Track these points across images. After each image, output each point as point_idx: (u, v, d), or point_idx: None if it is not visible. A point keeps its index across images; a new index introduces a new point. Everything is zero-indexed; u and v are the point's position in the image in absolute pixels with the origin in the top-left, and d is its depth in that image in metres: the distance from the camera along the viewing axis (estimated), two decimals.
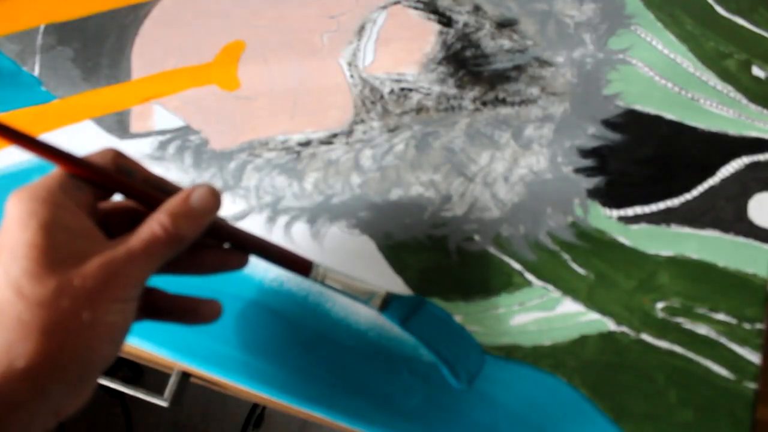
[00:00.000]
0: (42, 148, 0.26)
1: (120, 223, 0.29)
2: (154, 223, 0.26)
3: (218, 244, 0.31)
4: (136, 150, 0.43)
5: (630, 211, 0.39)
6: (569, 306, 0.37)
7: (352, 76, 0.45)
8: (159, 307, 0.30)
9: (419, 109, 0.43)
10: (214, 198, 0.28)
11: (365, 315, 0.37)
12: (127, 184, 0.28)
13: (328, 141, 0.43)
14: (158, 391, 0.40)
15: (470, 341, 0.36)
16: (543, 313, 0.37)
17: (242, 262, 0.32)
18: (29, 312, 0.23)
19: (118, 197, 0.29)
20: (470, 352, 0.36)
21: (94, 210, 0.27)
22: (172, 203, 0.27)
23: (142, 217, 0.27)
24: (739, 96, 0.42)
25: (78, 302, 0.23)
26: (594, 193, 0.40)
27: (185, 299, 0.30)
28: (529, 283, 0.38)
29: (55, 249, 0.24)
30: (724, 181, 0.40)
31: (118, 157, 0.28)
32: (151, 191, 0.28)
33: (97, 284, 0.24)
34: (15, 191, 0.25)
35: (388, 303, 0.35)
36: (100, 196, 0.28)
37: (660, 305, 0.37)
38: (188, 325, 0.31)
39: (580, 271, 0.38)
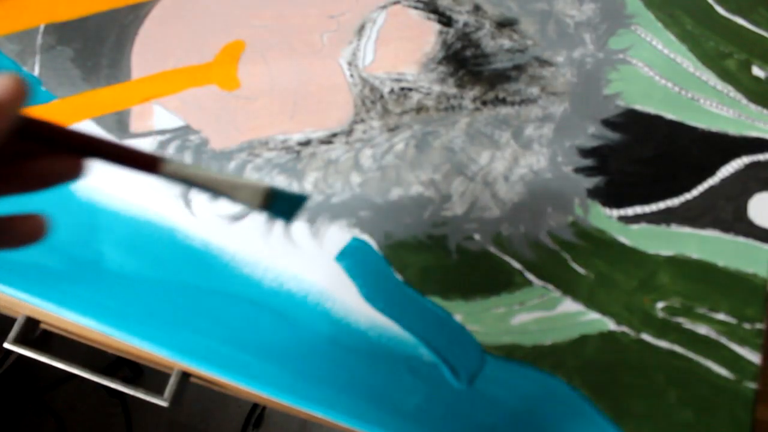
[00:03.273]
0: None
1: None
2: None
3: (42, 150, 0.26)
4: None
5: (630, 211, 0.39)
6: (569, 306, 0.37)
7: (352, 75, 0.45)
8: None
9: (419, 109, 0.43)
10: (17, 84, 0.24)
11: (365, 315, 0.37)
12: None
13: (327, 140, 0.43)
14: (158, 391, 0.40)
15: (466, 336, 0.36)
16: (543, 313, 0.37)
17: (76, 169, 0.26)
18: None
19: None
20: (468, 349, 0.36)
21: None
22: None
23: None
24: (739, 96, 0.42)
25: None
26: (594, 193, 0.40)
27: (7, 218, 0.25)
28: (529, 283, 0.38)
29: None
30: (724, 181, 0.40)
31: None
32: None
33: None
34: None
35: (272, 198, 0.29)
36: None
37: (660, 305, 0.37)
38: (7, 249, 0.26)
39: (581, 270, 0.38)
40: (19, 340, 0.41)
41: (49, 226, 0.26)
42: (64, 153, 0.26)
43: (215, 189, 0.28)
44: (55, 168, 0.26)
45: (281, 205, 0.29)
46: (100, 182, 0.42)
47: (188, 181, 0.27)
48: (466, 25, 0.46)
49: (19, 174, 0.26)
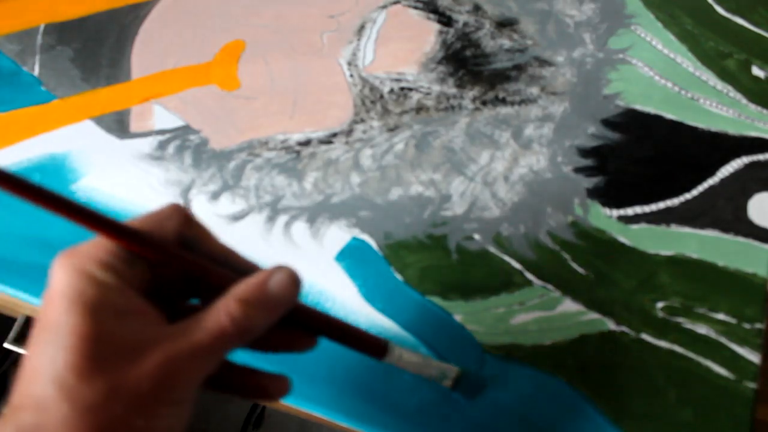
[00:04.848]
0: (87, 217, 0.22)
1: (178, 287, 0.25)
2: (222, 314, 0.22)
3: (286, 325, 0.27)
4: (136, 149, 0.43)
5: (630, 211, 0.39)
6: (569, 305, 0.37)
7: (351, 75, 0.45)
8: (226, 380, 0.26)
9: (419, 109, 0.43)
10: (294, 286, 0.24)
11: (365, 315, 0.37)
12: (190, 261, 0.24)
13: (327, 140, 0.43)
14: None
15: (465, 337, 0.36)
16: (543, 313, 0.37)
17: (310, 345, 0.28)
18: (76, 417, 0.20)
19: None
20: (468, 349, 0.36)
21: (150, 285, 0.24)
22: (244, 288, 0.23)
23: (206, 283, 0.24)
24: (738, 96, 0.42)
25: (131, 407, 0.20)
26: (594, 193, 0.40)
27: (254, 375, 0.27)
28: (529, 283, 0.38)
29: (105, 340, 0.21)
30: (724, 181, 0.40)
31: (183, 221, 0.24)
32: (218, 270, 0.24)
33: (154, 386, 0.21)
34: (62, 254, 0.22)
35: (460, 381, 0.34)
36: (158, 269, 0.24)
37: (660, 305, 0.37)
38: (255, 401, 0.28)
39: (580, 270, 0.38)
40: (19, 340, 0.41)
41: (291, 388, 0.27)
42: (305, 330, 0.28)
43: (422, 372, 0.32)
44: (293, 341, 0.27)
45: (468, 385, 0.34)
46: (100, 182, 0.42)
47: (403, 367, 0.30)
48: (466, 25, 0.46)
49: (263, 340, 0.26)
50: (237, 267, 0.25)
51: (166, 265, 0.24)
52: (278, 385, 0.27)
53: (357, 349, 0.29)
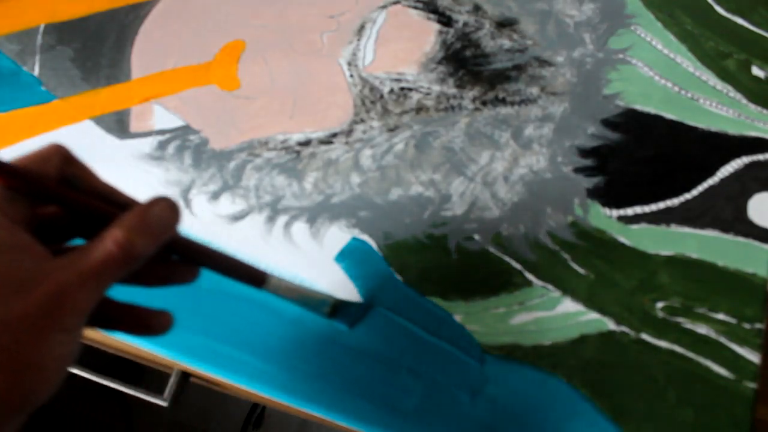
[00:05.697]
0: None
1: (60, 226, 0.26)
2: (109, 241, 0.23)
3: (166, 256, 0.28)
4: (136, 149, 0.43)
5: (630, 211, 0.39)
6: (569, 306, 0.37)
7: (351, 75, 0.45)
8: (107, 317, 0.27)
9: (419, 109, 0.43)
10: (174, 213, 0.25)
11: (365, 315, 0.37)
12: (72, 197, 0.25)
13: (327, 140, 0.43)
14: (158, 391, 0.40)
15: (465, 337, 0.36)
16: (543, 313, 0.37)
17: (192, 276, 0.29)
18: None
19: None
20: (468, 349, 0.36)
21: (34, 220, 0.24)
22: (128, 217, 0.24)
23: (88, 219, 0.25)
24: (738, 96, 0.42)
25: (20, 337, 0.21)
26: (594, 193, 0.40)
27: (135, 310, 0.27)
28: (529, 283, 0.38)
29: None
30: (724, 181, 0.40)
31: (64, 160, 0.25)
32: (100, 205, 0.25)
33: (43, 315, 0.21)
34: None
35: (337, 310, 0.35)
36: (40, 205, 0.25)
37: (660, 305, 0.37)
38: (137, 336, 0.28)
39: (580, 270, 0.38)
40: None
41: (173, 323, 0.28)
42: (187, 261, 0.29)
43: (298, 300, 0.33)
44: (174, 273, 0.28)
45: (346, 314, 0.35)
46: None
47: (283, 296, 0.31)
48: (466, 25, 0.46)
49: (144, 274, 0.27)
50: (119, 203, 0.26)
51: (48, 201, 0.25)
52: (160, 320, 0.28)
53: (237, 279, 0.29)
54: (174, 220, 0.25)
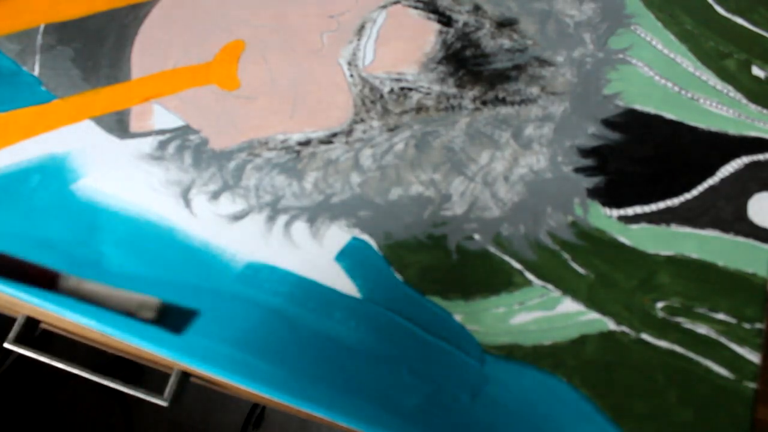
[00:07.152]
0: None
1: None
2: None
3: None
4: (136, 149, 0.43)
5: (630, 211, 0.39)
6: (569, 305, 0.37)
7: (351, 75, 0.45)
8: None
9: (419, 109, 0.43)
10: None
11: (365, 315, 0.37)
12: None
13: (327, 140, 0.43)
14: (158, 391, 0.40)
15: (465, 337, 0.36)
16: (543, 313, 0.37)
17: None
18: None
19: None
20: (468, 349, 0.36)
21: None
22: None
23: None
24: (738, 96, 0.42)
25: None
26: (594, 193, 0.40)
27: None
28: (529, 283, 0.38)
29: None
30: (724, 181, 0.40)
31: None
32: None
33: None
34: None
35: (164, 315, 0.33)
36: None
37: (660, 305, 0.37)
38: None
39: (581, 270, 0.38)
40: (19, 340, 0.41)
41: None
42: None
43: (108, 303, 0.30)
44: None
45: (173, 319, 0.33)
46: (100, 182, 0.42)
47: (85, 298, 0.29)
48: (466, 25, 0.46)
49: None
50: None
51: None
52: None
53: (24, 281, 0.29)
54: None
